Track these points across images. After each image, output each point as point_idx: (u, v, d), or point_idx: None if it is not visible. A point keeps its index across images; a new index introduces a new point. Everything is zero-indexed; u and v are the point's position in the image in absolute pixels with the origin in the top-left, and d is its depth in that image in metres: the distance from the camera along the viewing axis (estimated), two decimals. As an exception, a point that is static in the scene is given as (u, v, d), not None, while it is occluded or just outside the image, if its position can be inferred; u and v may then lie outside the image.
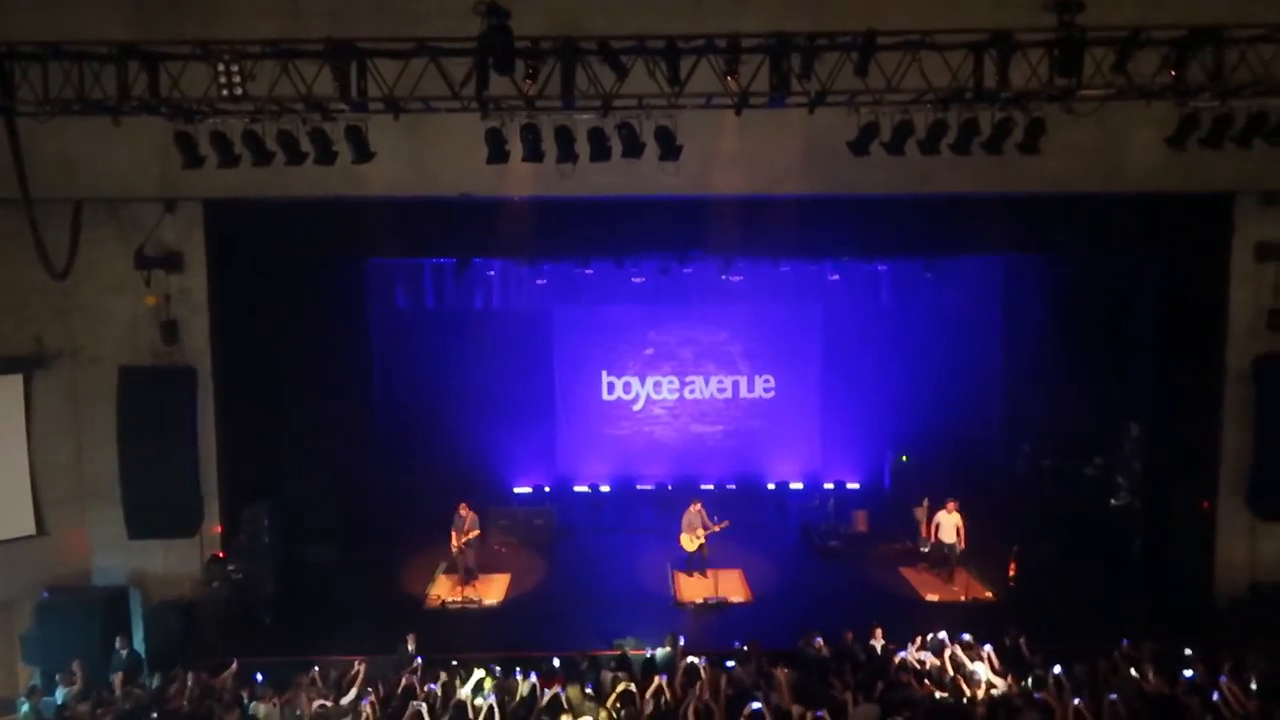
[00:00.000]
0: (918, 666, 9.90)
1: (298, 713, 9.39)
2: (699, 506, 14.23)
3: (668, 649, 10.48)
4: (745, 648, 10.59)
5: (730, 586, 13.71)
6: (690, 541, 14.05)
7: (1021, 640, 10.62)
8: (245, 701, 9.66)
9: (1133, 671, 9.82)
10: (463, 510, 13.76)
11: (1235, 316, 12.98)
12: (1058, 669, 9.66)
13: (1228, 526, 13.09)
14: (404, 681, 9.91)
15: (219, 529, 12.71)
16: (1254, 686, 9.34)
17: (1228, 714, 8.86)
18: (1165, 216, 12.74)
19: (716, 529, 13.94)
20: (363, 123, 9.66)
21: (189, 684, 10.08)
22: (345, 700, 9.69)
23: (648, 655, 10.44)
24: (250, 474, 13.24)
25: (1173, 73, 9.22)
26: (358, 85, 9.10)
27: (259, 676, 10.35)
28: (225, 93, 8.89)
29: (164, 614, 12.13)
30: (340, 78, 8.97)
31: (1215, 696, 9.03)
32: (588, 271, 15.45)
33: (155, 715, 9.42)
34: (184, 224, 12.35)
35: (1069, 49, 8.93)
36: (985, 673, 9.86)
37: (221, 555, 12.63)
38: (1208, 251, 13.10)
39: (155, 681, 10.47)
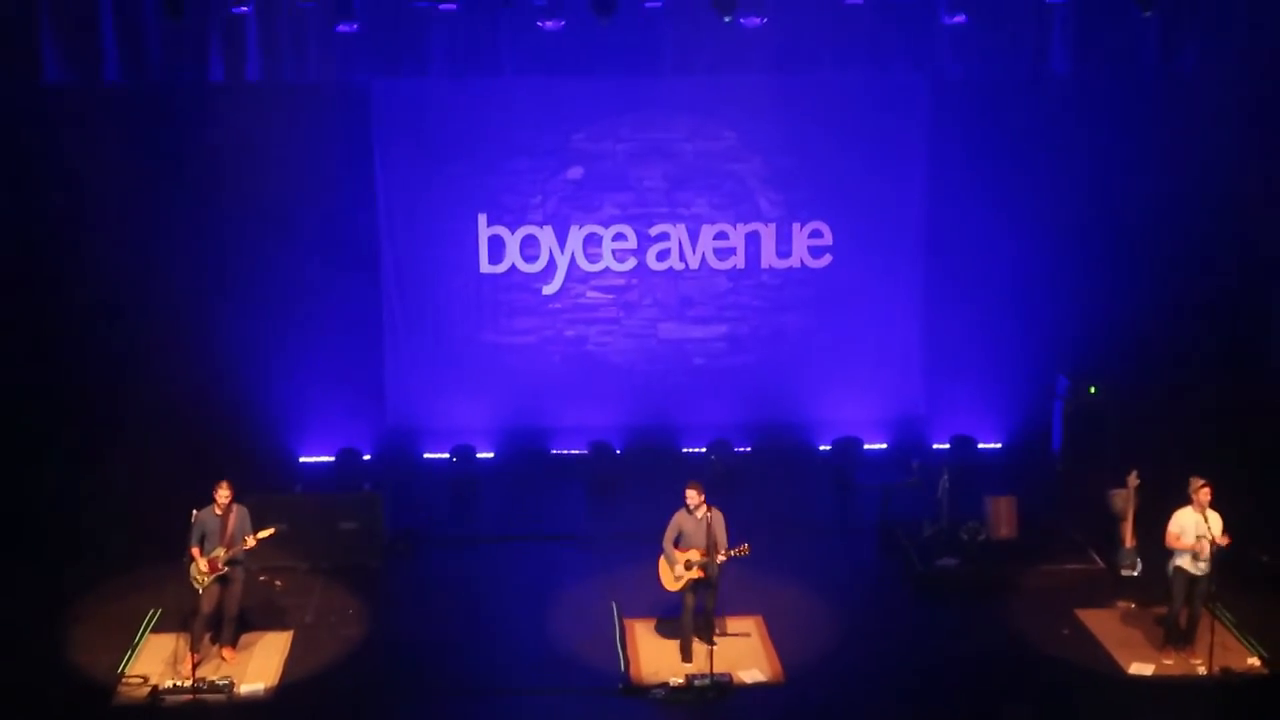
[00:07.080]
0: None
1: None
2: (700, 500, 12.57)
3: None
4: None
5: (739, 651, 12.86)
6: (676, 576, 12.81)
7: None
8: None
9: None
10: (221, 496, 12.43)
11: None
12: None
13: None
14: None
15: None
16: None
17: None
18: None
19: (730, 555, 12.58)
20: None
21: None
22: None
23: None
24: None
25: None
26: None
27: None
28: None
29: None
30: None
31: None
32: (447, 7, 13.97)
33: None
34: None
35: None
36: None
37: None
38: None
39: None
